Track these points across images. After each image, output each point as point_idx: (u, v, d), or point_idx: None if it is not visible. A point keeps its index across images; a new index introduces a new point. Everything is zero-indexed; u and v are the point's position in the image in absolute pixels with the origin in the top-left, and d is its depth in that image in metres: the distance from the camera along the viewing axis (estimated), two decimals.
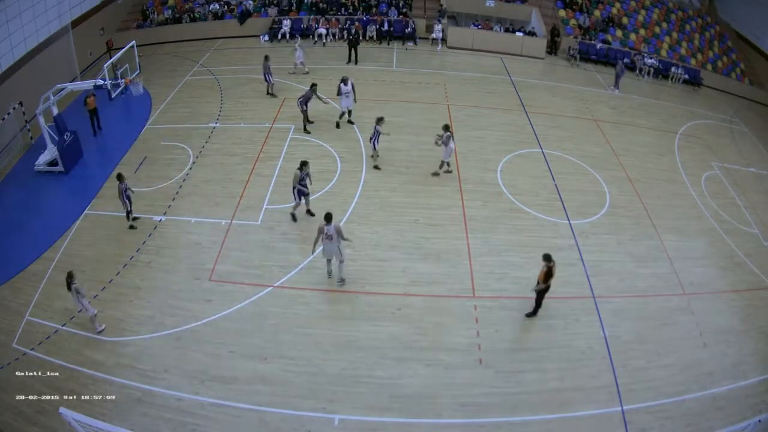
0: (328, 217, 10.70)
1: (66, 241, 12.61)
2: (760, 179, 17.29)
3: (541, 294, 10.72)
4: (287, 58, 20.53)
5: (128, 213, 12.76)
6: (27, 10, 16.70)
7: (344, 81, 15.89)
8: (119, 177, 12.43)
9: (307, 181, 12.66)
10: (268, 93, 18.41)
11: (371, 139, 14.49)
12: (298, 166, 12.47)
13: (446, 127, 14.07)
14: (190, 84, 19.52)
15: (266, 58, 18.00)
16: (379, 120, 14.28)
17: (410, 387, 9.59)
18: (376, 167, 14.87)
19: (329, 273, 11.51)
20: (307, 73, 19.81)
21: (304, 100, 15.83)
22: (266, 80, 18.10)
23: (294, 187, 12.58)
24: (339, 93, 16.08)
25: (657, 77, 22.99)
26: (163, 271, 11.79)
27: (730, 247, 13.78)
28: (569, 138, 17.22)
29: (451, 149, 14.18)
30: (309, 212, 13.18)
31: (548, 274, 10.38)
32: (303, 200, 12.90)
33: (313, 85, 15.96)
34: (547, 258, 10.36)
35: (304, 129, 16.39)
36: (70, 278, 9.87)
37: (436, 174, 14.72)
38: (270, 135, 16.24)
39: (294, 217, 13.11)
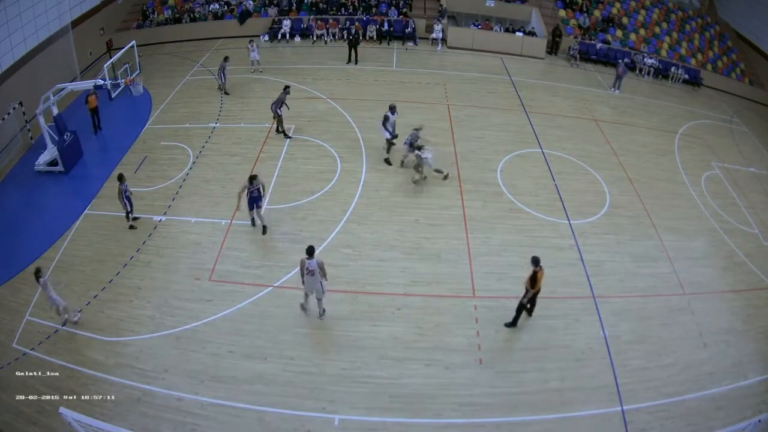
0: (311, 251, 9.85)
1: (66, 241, 12.61)
2: (761, 179, 17.28)
3: (524, 303, 10.47)
4: (288, 59, 20.57)
5: (128, 214, 12.76)
6: (27, 10, 16.72)
7: (393, 110, 14.61)
8: (120, 177, 12.43)
9: (256, 193, 12.15)
10: (219, 89, 18.56)
11: (406, 142, 14.39)
12: (248, 179, 12.04)
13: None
14: (190, 84, 19.52)
15: (226, 58, 18.27)
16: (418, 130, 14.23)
17: (410, 387, 9.59)
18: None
19: (303, 307, 10.72)
20: (259, 71, 19.89)
21: (278, 104, 15.42)
22: (220, 78, 18.32)
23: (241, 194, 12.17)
24: (386, 121, 14.64)
25: (657, 77, 22.99)
26: (163, 271, 11.79)
27: (730, 247, 13.78)
28: (569, 138, 17.21)
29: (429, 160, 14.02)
30: (253, 223, 12.82)
31: (533, 279, 10.01)
32: (255, 210, 12.47)
33: (287, 88, 15.69)
34: (536, 262, 10.00)
35: (278, 130, 16.03)
36: (38, 272, 9.86)
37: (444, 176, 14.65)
38: (270, 135, 16.22)
39: (253, 222, 12.84)
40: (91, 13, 20.81)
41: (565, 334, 10.74)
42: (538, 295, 10.53)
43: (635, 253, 12.97)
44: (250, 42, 19.81)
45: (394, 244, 12.57)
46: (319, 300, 10.56)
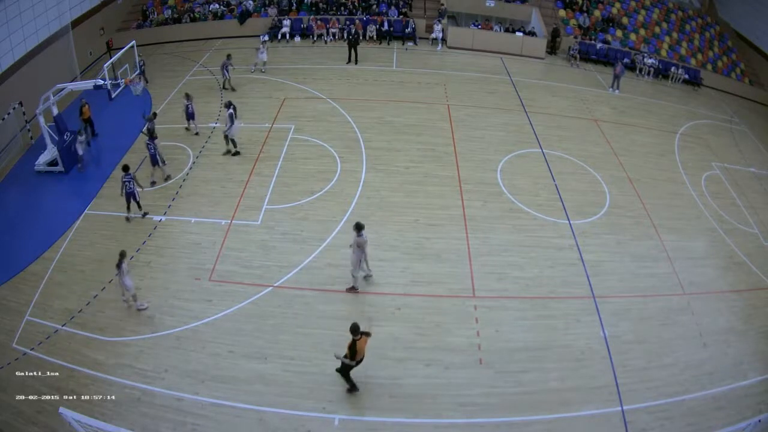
0: (362, 226, 10.59)
1: (66, 241, 12.61)
2: (761, 179, 17.29)
3: (346, 369, 9.07)
4: (288, 59, 20.55)
5: (138, 203, 12.97)
6: (27, 10, 16.72)
7: (229, 106, 15.06)
8: (124, 168, 12.61)
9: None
10: (224, 87, 18.83)
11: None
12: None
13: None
14: (190, 84, 19.50)
15: (228, 56, 18.58)
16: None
17: (410, 387, 9.59)
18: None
19: (358, 284, 11.30)
20: (260, 71, 19.99)
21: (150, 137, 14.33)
22: (223, 75, 18.63)
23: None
24: (233, 120, 14.87)
25: (657, 77, 22.99)
26: (163, 271, 11.79)
27: (730, 247, 13.78)
28: (569, 138, 17.21)
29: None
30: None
31: (352, 349, 8.61)
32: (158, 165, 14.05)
33: (153, 116, 15.41)
34: (354, 330, 8.59)
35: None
36: (122, 256, 10.28)
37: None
38: (270, 135, 16.23)
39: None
40: (91, 13, 20.81)
41: (565, 334, 10.74)
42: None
43: (635, 253, 12.97)
44: (262, 43, 20.04)
45: (394, 244, 12.56)
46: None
